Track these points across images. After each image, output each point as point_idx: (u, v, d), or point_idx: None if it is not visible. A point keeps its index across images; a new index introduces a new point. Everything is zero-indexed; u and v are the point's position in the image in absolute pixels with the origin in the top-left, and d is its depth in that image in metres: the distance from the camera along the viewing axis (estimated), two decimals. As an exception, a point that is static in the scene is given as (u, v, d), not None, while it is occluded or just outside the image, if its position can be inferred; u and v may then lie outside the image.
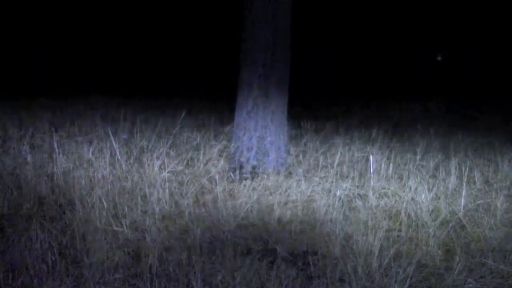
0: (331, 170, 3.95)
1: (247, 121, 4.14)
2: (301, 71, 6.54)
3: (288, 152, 4.35)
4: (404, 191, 3.50)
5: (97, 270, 2.39)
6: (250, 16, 4.06)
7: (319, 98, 8.02)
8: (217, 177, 3.58)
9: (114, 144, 4.00)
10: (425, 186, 3.50)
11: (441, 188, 3.56)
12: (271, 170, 3.98)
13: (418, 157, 4.31)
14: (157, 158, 3.86)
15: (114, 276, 2.37)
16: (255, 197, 3.33)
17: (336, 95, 8.57)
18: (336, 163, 4.02)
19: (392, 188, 3.59)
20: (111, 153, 3.97)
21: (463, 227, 3.05)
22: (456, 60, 14.04)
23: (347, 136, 5.11)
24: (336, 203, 3.24)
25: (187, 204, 3.21)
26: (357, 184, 3.72)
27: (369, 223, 2.82)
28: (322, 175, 3.86)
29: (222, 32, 11.79)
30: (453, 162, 4.07)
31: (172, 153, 4.10)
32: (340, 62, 13.63)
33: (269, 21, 4.01)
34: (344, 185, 3.63)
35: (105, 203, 3.10)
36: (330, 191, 3.46)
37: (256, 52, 4.06)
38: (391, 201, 3.42)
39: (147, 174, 3.67)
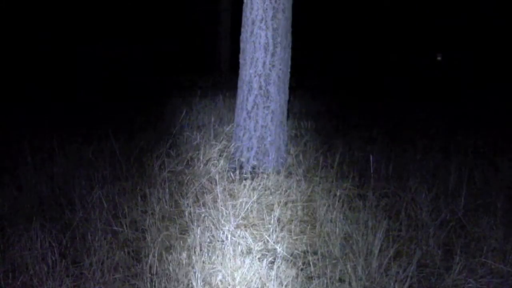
0: (331, 170, 3.95)
1: (247, 121, 4.15)
2: (302, 70, 6.54)
3: (288, 152, 4.35)
4: (404, 191, 3.50)
5: (97, 270, 2.39)
6: (250, 16, 4.06)
7: (319, 97, 8.01)
8: (217, 177, 3.57)
9: (114, 144, 4.00)
10: (425, 186, 3.50)
11: (441, 188, 3.56)
12: (271, 170, 3.98)
13: (418, 157, 4.31)
14: (157, 158, 3.86)
15: (114, 276, 2.37)
16: (255, 197, 3.33)
17: (336, 95, 8.57)
18: (336, 163, 4.02)
19: (392, 188, 3.59)
20: (111, 153, 3.97)
21: (463, 227, 3.05)
22: (456, 60, 14.05)
23: (347, 136, 5.11)
24: (336, 203, 3.24)
25: (187, 204, 3.21)
26: (357, 184, 3.72)
27: (369, 223, 2.83)
28: (322, 175, 3.86)
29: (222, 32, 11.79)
30: (453, 162, 4.07)
31: (172, 153, 4.10)
32: (341, 61, 13.63)
33: (269, 21, 4.02)
34: (344, 185, 3.63)
35: (105, 203, 3.11)
36: (330, 191, 3.46)
37: (256, 52, 4.06)
38: (391, 201, 3.42)
39: (147, 174, 3.67)
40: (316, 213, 3.19)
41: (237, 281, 2.34)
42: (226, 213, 3.09)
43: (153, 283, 2.33)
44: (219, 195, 3.29)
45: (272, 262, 2.56)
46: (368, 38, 14.17)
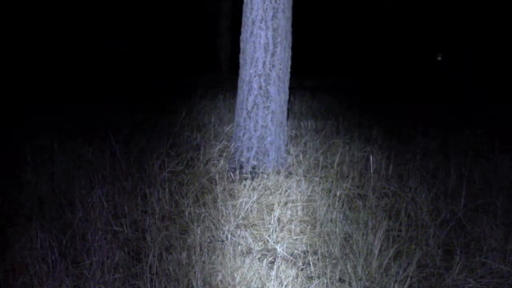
0: (331, 170, 3.95)
1: (247, 121, 4.15)
2: (302, 70, 6.55)
3: (288, 152, 4.35)
4: (404, 191, 3.50)
5: (97, 270, 2.39)
6: (250, 16, 4.06)
7: (319, 97, 8.02)
8: (217, 177, 3.58)
9: (114, 144, 4.00)
10: (425, 186, 3.50)
11: (441, 188, 3.56)
12: (271, 170, 3.98)
13: (418, 157, 4.31)
14: (157, 158, 3.86)
15: (114, 276, 2.37)
16: (255, 197, 3.33)
17: (336, 95, 8.58)
18: (336, 163, 4.02)
19: (392, 188, 3.59)
20: (111, 153, 3.97)
21: (463, 227, 3.05)
22: (456, 60, 14.06)
23: (347, 136, 5.11)
24: (336, 203, 3.24)
25: (187, 204, 3.21)
26: (357, 184, 3.72)
27: (369, 223, 2.83)
28: (322, 175, 3.86)
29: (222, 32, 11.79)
30: (453, 162, 4.07)
31: (172, 153, 4.10)
32: (340, 61, 13.63)
33: (269, 21, 4.02)
34: (344, 185, 3.63)
35: (105, 203, 3.10)
36: (330, 191, 3.47)
37: (256, 52, 4.06)
38: (391, 201, 3.42)
39: (147, 174, 3.67)
40: (316, 213, 3.19)
41: (237, 281, 2.34)
42: (226, 213, 3.09)
43: (153, 283, 2.33)
44: (219, 195, 3.29)
45: (272, 262, 2.56)
46: (368, 37, 14.17)
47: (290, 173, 3.95)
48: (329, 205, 3.21)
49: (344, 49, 14.03)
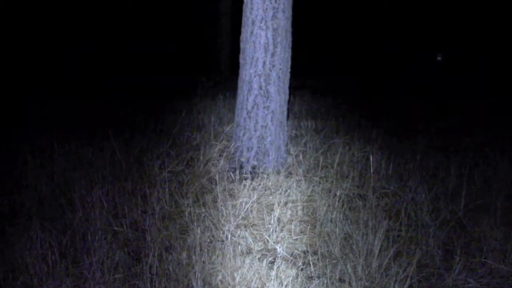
0: (331, 170, 3.95)
1: (247, 121, 4.15)
2: (302, 70, 6.54)
3: (288, 152, 4.35)
4: (404, 191, 3.50)
5: (97, 270, 2.39)
6: (250, 16, 4.06)
7: (319, 97, 8.02)
8: (217, 177, 3.58)
9: (114, 144, 4.00)
10: (425, 186, 3.50)
11: (441, 188, 3.56)
12: (271, 170, 3.98)
13: (418, 157, 4.31)
14: (157, 158, 3.86)
15: (114, 276, 2.37)
16: (255, 197, 3.33)
17: (336, 95, 8.58)
18: (336, 163, 4.02)
19: (392, 188, 3.59)
20: (111, 153, 3.97)
21: (463, 227, 3.05)
22: (456, 60, 14.06)
23: (347, 136, 5.11)
24: (336, 203, 3.24)
25: (187, 204, 3.21)
26: (357, 184, 3.72)
27: (369, 223, 2.83)
28: (322, 175, 3.86)
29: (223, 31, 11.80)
30: (453, 162, 4.07)
31: (172, 153, 4.10)
32: (340, 61, 13.64)
33: (269, 21, 4.02)
34: (344, 185, 3.63)
35: (105, 203, 3.11)
36: (330, 191, 3.47)
37: (256, 52, 4.06)
38: (391, 201, 3.42)
39: (147, 174, 3.67)
40: (316, 213, 3.19)
41: (237, 281, 2.34)
42: (226, 213, 3.09)
43: (153, 283, 2.34)
44: (219, 195, 3.29)
45: (272, 262, 2.56)
46: (368, 37, 14.18)
47: (290, 173, 3.95)
48: (329, 205, 3.20)
49: (344, 49, 14.03)
